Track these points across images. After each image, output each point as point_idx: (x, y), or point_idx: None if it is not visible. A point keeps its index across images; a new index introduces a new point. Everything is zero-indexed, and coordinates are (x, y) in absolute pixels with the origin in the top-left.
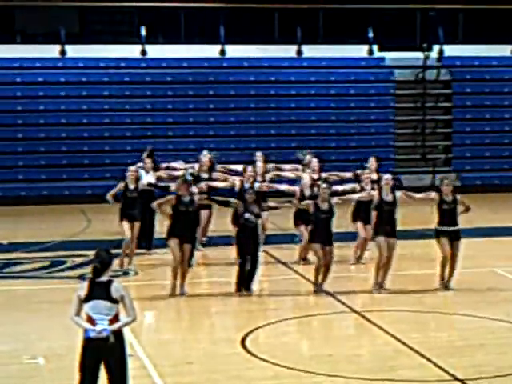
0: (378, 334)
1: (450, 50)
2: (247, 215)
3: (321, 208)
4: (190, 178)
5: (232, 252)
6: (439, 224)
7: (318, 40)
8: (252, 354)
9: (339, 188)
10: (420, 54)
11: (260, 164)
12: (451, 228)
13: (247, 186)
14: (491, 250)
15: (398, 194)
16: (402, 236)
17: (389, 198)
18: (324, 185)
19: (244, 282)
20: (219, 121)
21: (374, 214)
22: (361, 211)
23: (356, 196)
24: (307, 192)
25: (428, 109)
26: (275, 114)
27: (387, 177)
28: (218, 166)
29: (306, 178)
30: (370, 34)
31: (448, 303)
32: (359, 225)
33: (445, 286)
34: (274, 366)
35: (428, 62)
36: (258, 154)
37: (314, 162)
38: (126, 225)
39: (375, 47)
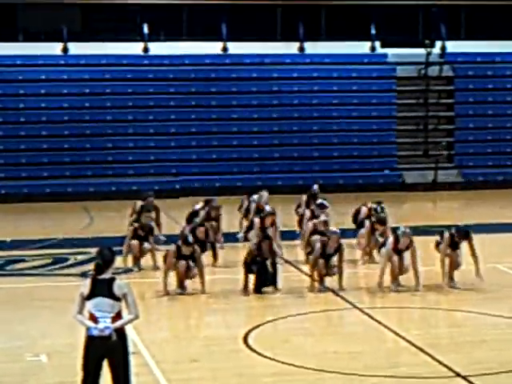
0: (381, 331)
1: (453, 47)
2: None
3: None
4: (190, 239)
5: (235, 251)
6: None
7: (321, 37)
8: (255, 351)
9: None
10: (422, 51)
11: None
12: None
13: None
14: (494, 246)
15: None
16: None
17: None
18: (334, 235)
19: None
20: (221, 117)
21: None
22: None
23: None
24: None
25: (430, 105)
26: (277, 110)
27: (405, 230)
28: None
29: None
30: (373, 31)
31: (450, 300)
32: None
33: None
34: (276, 362)
35: (430, 59)
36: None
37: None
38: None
39: (377, 44)
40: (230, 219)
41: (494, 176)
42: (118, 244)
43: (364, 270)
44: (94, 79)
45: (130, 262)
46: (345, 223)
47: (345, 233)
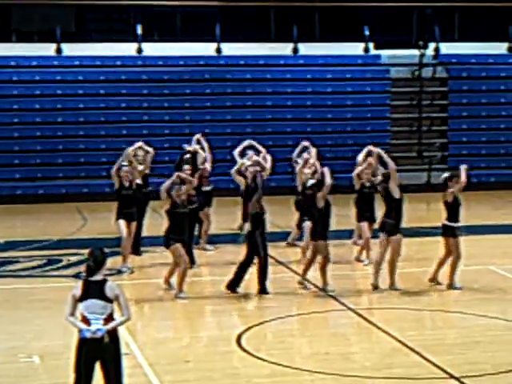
0: (374, 332)
1: (446, 48)
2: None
3: (318, 207)
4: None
5: (227, 250)
6: (448, 220)
7: (314, 38)
8: (248, 352)
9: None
10: (416, 52)
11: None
12: (457, 224)
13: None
14: (487, 248)
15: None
16: None
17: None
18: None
19: (239, 283)
20: (216, 119)
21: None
22: (365, 210)
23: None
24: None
25: (424, 106)
26: (271, 111)
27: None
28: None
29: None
30: (366, 32)
31: (444, 301)
32: (364, 224)
33: (450, 287)
34: (270, 364)
35: (424, 60)
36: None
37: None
38: (122, 224)
39: (371, 45)
40: (227, 220)
41: (488, 177)
42: (111, 245)
43: (357, 272)
44: (88, 80)
45: None
46: (339, 224)
47: (341, 233)
